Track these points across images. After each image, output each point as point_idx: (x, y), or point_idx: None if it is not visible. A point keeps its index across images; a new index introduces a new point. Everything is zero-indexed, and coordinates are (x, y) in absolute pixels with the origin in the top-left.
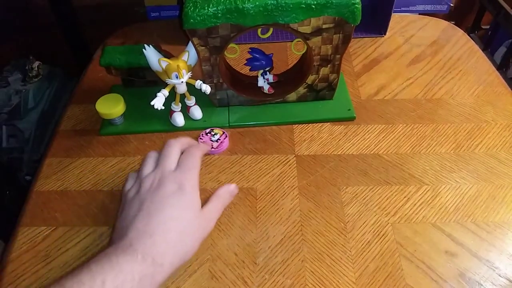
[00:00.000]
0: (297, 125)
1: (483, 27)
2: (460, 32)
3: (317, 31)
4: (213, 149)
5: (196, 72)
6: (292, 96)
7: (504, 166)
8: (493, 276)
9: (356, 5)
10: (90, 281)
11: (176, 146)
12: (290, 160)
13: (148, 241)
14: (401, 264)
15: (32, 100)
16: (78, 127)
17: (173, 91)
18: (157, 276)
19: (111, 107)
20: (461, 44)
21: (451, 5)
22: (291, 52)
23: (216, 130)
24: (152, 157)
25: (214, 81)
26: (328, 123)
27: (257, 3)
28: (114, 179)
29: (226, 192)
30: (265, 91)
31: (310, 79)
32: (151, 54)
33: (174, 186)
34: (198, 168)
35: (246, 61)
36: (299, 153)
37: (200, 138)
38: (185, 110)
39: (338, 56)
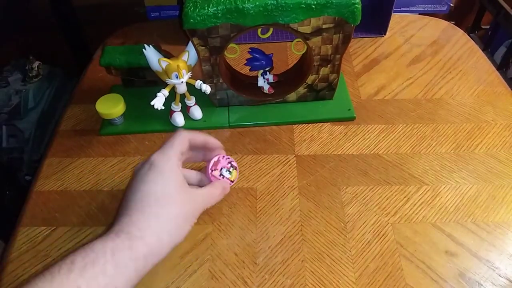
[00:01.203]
0: (297, 125)
1: (483, 27)
2: (460, 32)
3: (317, 31)
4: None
5: (196, 72)
6: (292, 96)
7: (504, 166)
8: (493, 276)
9: (356, 5)
10: (59, 262)
11: (178, 135)
12: (290, 160)
13: (125, 220)
14: (401, 264)
15: (32, 100)
16: (78, 127)
17: (173, 91)
18: (139, 248)
19: (111, 107)
20: (461, 44)
21: (451, 5)
22: (291, 52)
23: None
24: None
25: (214, 81)
26: (328, 123)
27: (257, 3)
28: (114, 179)
29: (220, 186)
30: (265, 91)
31: (310, 79)
32: (151, 54)
33: (147, 165)
34: (173, 146)
35: (246, 61)
36: (299, 153)
37: (213, 176)
38: (185, 110)
39: (338, 56)
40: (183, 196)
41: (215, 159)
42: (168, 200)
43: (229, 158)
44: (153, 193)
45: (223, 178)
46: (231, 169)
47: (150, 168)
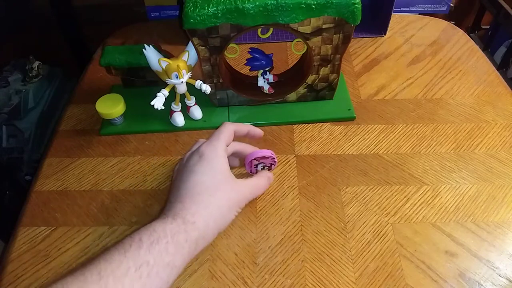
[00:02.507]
0: (297, 125)
1: (483, 27)
2: (460, 32)
3: (317, 31)
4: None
5: (196, 72)
6: (292, 96)
7: (504, 166)
8: (493, 276)
9: (356, 5)
10: (128, 239)
11: (224, 128)
12: (290, 160)
13: (178, 206)
14: (401, 264)
15: (32, 100)
16: (78, 127)
17: (173, 91)
18: (192, 232)
19: (111, 107)
20: (461, 44)
21: (451, 5)
22: (291, 52)
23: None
24: (200, 141)
25: (214, 81)
26: (328, 123)
27: (257, 3)
28: (114, 179)
29: (265, 176)
30: (265, 91)
31: (310, 79)
32: (151, 54)
33: (196, 156)
34: (221, 138)
35: (246, 61)
36: (299, 153)
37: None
38: (185, 110)
39: (338, 56)
40: (230, 186)
41: (266, 154)
42: (216, 189)
43: (274, 159)
44: (204, 183)
45: (256, 171)
46: (265, 168)
47: (199, 160)
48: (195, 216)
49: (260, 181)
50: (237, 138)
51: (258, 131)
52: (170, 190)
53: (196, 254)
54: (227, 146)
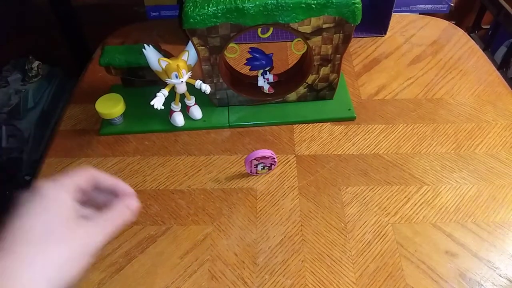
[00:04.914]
0: (297, 125)
1: (483, 26)
2: (460, 32)
3: (317, 31)
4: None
5: (196, 72)
6: (292, 96)
7: (505, 166)
8: (494, 276)
9: (356, 5)
10: None
11: (82, 169)
12: (290, 160)
13: None
14: (402, 264)
15: (32, 100)
16: (78, 127)
17: (173, 91)
18: (13, 264)
19: (111, 107)
20: (461, 44)
21: (452, 4)
22: (291, 52)
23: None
24: None
25: (214, 81)
26: (328, 123)
27: (257, 2)
28: None
29: (123, 205)
30: (265, 91)
31: (310, 79)
32: (150, 53)
33: (32, 194)
34: (71, 177)
35: (246, 61)
36: (299, 153)
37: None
38: (185, 110)
39: (338, 55)
40: (68, 232)
41: (266, 154)
42: (51, 238)
43: (274, 159)
44: (32, 228)
45: (256, 171)
46: (265, 168)
47: (34, 198)
48: (15, 279)
49: (115, 214)
50: (100, 190)
51: (126, 188)
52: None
53: None
54: (79, 190)
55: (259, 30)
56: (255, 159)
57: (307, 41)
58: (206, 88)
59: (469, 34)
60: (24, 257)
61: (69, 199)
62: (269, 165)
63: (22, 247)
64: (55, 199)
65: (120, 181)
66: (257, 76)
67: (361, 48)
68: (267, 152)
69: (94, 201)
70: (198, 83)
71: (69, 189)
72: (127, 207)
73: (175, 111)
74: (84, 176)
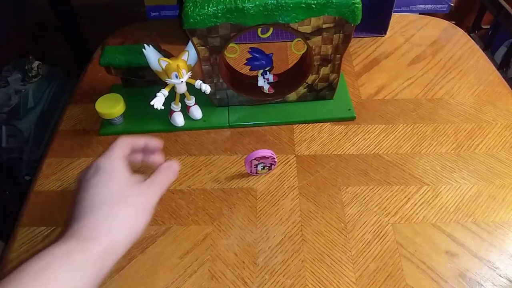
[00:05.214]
0: (297, 125)
1: (483, 26)
2: (460, 32)
3: (317, 31)
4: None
5: (196, 72)
6: (292, 96)
7: (505, 166)
8: (494, 276)
9: (356, 5)
10: (16, 272)
11: (118, 141)
12: (290, 160)
13: (75, 225)
14: (402, 264)
15: (32, 100)
16: (78, 127)
17: (173, 91)
18: (93, 249)
19: (111, 107)
20: (461, 44)
21: (452, 4)
22: (291, 52)
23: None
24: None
25: (214, 81)
26: (328, 123)
27: (257, 2)
28: None
29: (166, 168)
30: (265, 91)
31: (310, 79)
32: (150, 53)
33: (91, 170)
34: (114, 150)
35: (246, 61)
36: (299, 153)
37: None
38: (185, 110)
39: (338, 55)
40: (132, 192)
41: (266, 154)
42: (118, 199)
43: (274, 159)
44: (100, 194)
45: (256, 171)
46: (265, 168)
47: (95, 172)
48: (95, 231)
49: (162, 176)
50: (135, 151)
51: (155, 143)
52: (69, 211)
53: (108, 269)
54: (124, 158)
55: (259, 30)
56: (255, 159)
57: (307, 41)
58: (206, 88)
59: (469, 34)
60: (100, 214)
61: (122, 168)
62: (269, 165)
63: (98, 208)
64: (111, 170)
65: (149, 139)
66: (257, 76)
67: (361, 48)
68: (267, 152)
69: (133, 162)
70: (198, 83)
71: (119, 159)
72: (170, 169)
73: (175, 111)
74: (122, 145)
